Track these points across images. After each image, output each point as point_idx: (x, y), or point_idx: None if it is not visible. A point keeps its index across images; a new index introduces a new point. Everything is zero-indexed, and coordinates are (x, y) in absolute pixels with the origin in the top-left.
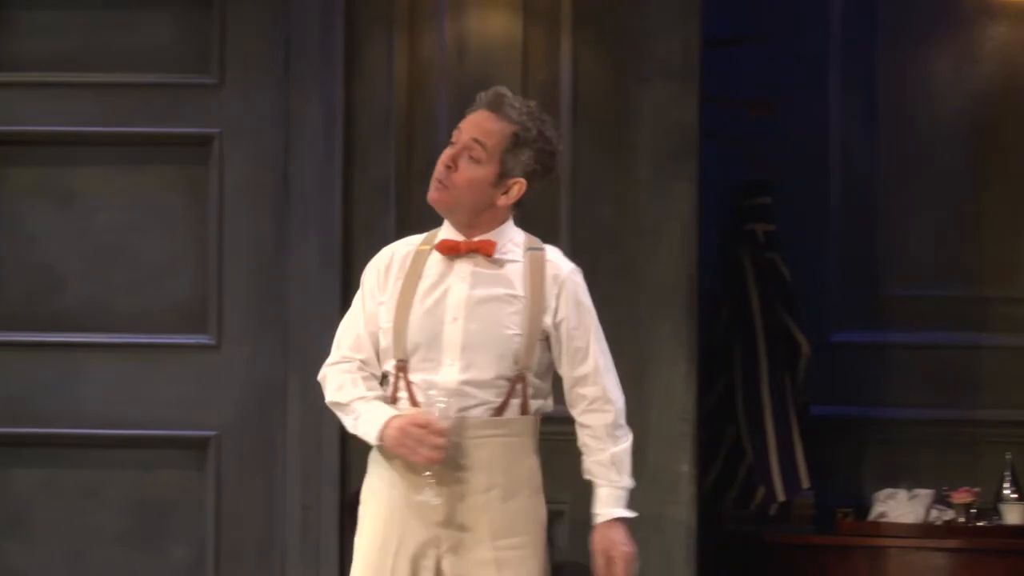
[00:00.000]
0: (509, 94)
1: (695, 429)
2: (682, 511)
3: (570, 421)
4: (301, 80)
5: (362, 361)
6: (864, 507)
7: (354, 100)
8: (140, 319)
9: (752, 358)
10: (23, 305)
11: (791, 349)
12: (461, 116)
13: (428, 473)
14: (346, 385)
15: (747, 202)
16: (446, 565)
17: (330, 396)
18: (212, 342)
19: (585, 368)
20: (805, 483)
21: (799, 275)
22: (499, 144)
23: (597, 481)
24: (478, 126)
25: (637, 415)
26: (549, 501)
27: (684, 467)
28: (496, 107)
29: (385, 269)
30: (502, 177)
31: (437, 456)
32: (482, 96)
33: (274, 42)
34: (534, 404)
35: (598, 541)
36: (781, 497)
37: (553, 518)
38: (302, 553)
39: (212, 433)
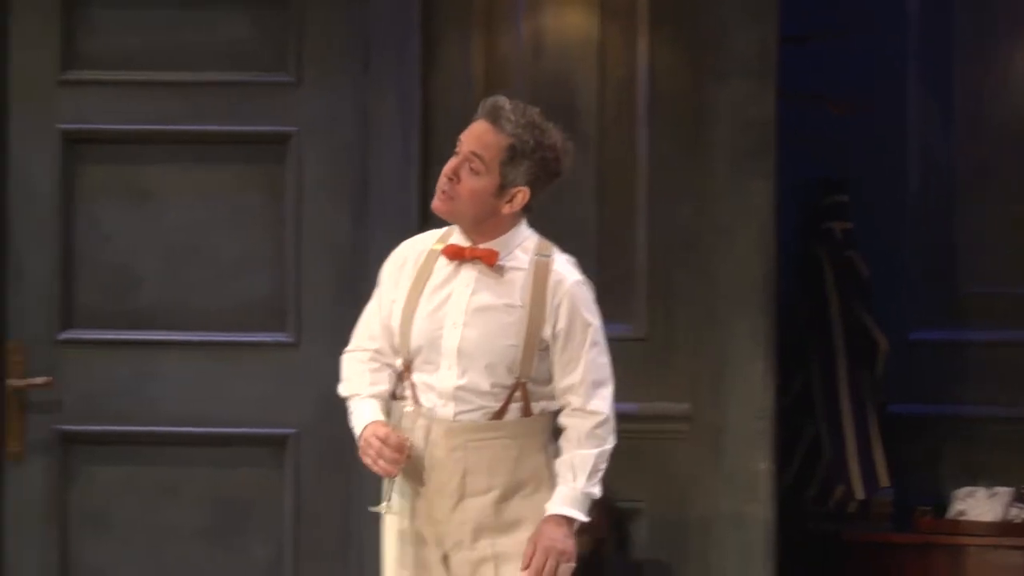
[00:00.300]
0: (507, 105)
1: (773, 427)
2: (761, 509)
3: (643, 419)
4: (378, 78)
5: (375, 351)
6: (943, 505)
7: (431, 98)
8: (217, 317)
9: (830, 356)
10: (100, 303)
11: (869, 347)
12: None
13: (387, 483)
14: (351, 378)
15: (825, 200)
16: (452, 563)
17: (339, 387)
18: (291, 340)
19: (573, 379)
20: (884, 481)
21: (877, 273)
22: (496, 156)
23: (558, 480)
24: (477, 139)
25: (715, 413)
26: (625, 499)
27: (762, 465)
28: (493, 119)
29: (400, 267)
30: (503, 187)
31: (389, 470)
32: (482, 105)
33: (352, 41)
34: (537, 407)
35: (535, 533)
36: (860, 495)
37: (630, 517)
38: (380, 552)
39: (291, 431)
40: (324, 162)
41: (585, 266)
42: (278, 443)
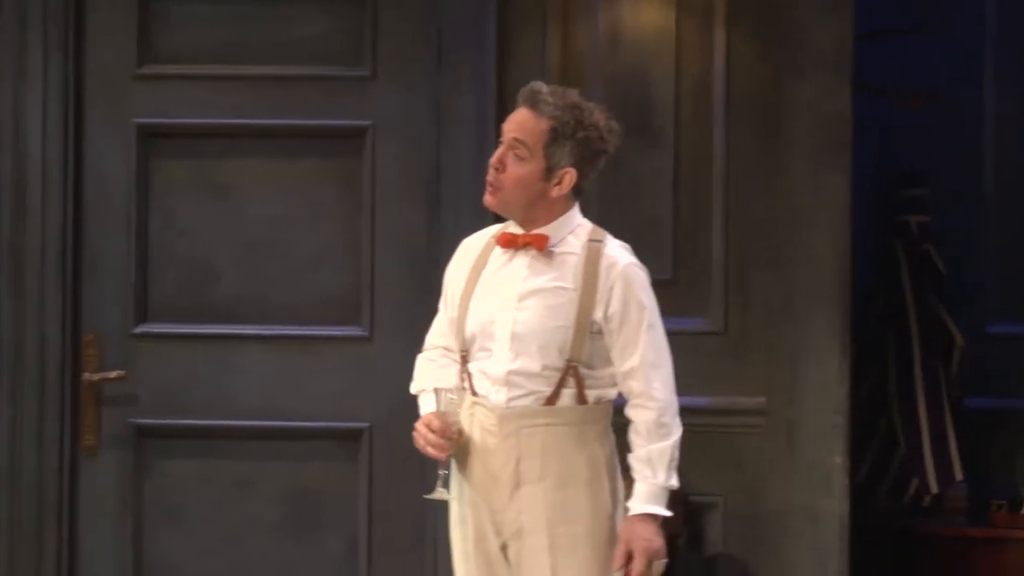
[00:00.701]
0: (544, 88)
1: (848, 421)
2: (835, 504)
3: (718, 413)
4: (454, 72)
5: (444, 348)
6: (1018, 500)
7: (507, 92)
8: (293, 311)
9: (906, 350)
10: (177, 297)
11: (945, 341)
12: (614, 109)
13: (442, 471)
14: (420, 376)
15: (901, 193)
16: (510, 553)
17: (411, 385)
18: (365, 334)
19: (631, 363)
20: (959, 475)
21: (953, 266)
22: (539, 140)
23: (635, 476)
24: (518, 125)
25: (790, 407)
26: (699, 493)
27: (837, 459)
28: (532, 103)
29: (459, 263)
30: (550, 170)
31: (436, 454)
32: (521, 93)
33: (427, 34)
34: (592, 394)
35: (623, 533)
36: (934, 489)
37: (704, 511)
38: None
39: (365, 425)
40: (399, 156)
41: (661, 261)
42: (352, 437)
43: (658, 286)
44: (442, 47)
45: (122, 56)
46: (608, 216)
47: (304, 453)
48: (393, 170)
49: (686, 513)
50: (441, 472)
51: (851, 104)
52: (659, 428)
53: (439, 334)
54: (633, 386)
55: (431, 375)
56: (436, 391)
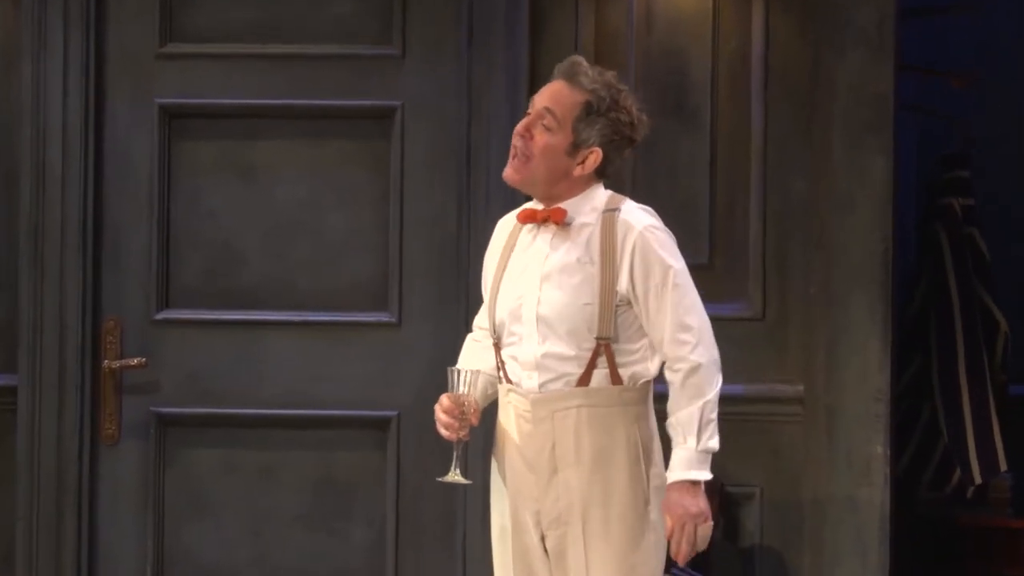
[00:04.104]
0: (585, 63)
1: (889, 409)
2: (876, 493)
3: (756, 401)
4: (485, 51)
5: (484, 331)
6: None
7: (539, 72)
8: (320, 296)
9: (949, 336)
10: (202, 282)
11: (989, 326)
12: (649, 88)
13: (455, 450)
14: (461, 358)
15: (945, 175)
16: (549, 543)
17: None
18: (393, 320)
19: (660, 329)
20: (1003, 465)
21: (998, 250)
22: (570, 112)
23: (673, 444)
24: (551, 95)
25: (829, 395)
26: (736, 483)
27: (878, 448)
28: (570, 76)
29: (494, 243)
30: (576, 147)
31: (448, 436)
32: (557, 68)
33: (458, 13)
34: (627, 372)
35: (666, 504)
36: (978, 479)
37: (741, 501)
38: (484, 537)
39: (393, 413)
40: (429, 137)
41: (697, 245)
42: (380, 425)
43: (694, 271)
44: (473, 25)
45: (145, 34)
46: (642, 199)
47: (331, 442)
48: (423, 152)
49: (722, 503)
50: (455, 454)
51: (893, 83)
52: (685, 390)
53: (480, 319)
54: (666, 351)
55: (467, 359)
56: (448, 371)
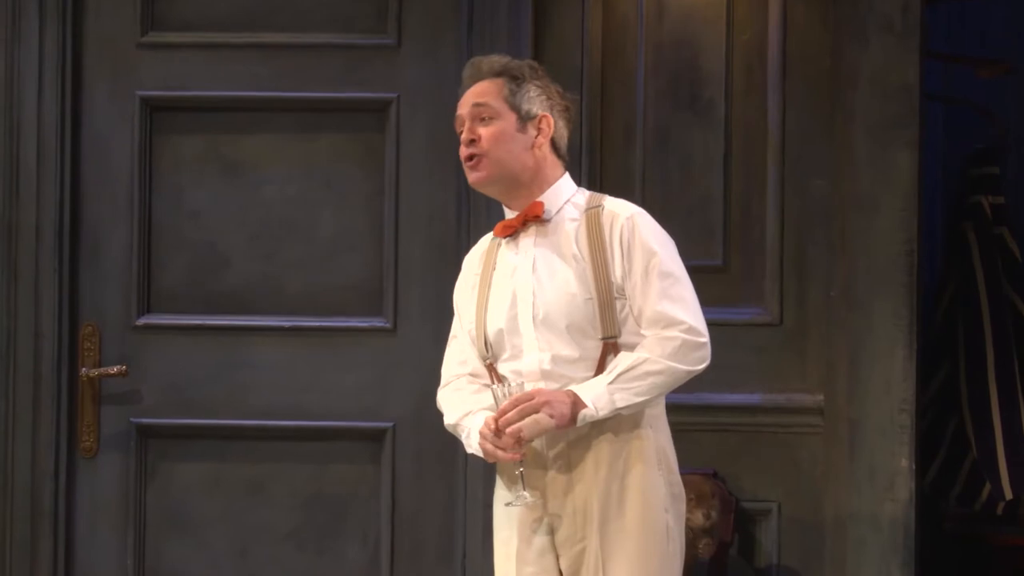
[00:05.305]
0: (482, 57)
1: (915, 420)
2: (900, 510)
3: (773, 411)
4: (486, 40)
5: (470, 375)
6: None
7: (543, 63)
8: (310, 300)
9: (978, 342)
10: (185, 285)
11: (1021, 332)
12: (661, 81)
13: (518, 471)
14: (454, 406)
15: (973, 172)
16: (563, 562)
17: (446, 421)
18: (388, 325)
19: (643, 312)
20: None
21: None
22: (499, 95)
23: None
24: (472, 94)
25: (851, 405)
26: (753, 499)
27: (903, 462)
28: (477, 74)
29: (464, 278)
30: (524, 121)
31: (509, 457)
32: (464, 77)
33: (457, 1)
34: None
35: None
36: (1008, 495)
37: (758, 518)
38: (485, 555)
39: (388, 424)
40: (426, 131)
41: (711, 246)
42: (375, 437)
43: (708, 273)
44: (474, 13)
45: (125, 22)
46: (653, 198)
47: (322, 455)
48: (420, 146)
49: (737, 520)
50: (518, 472)
51: (920, 73)
52: (665, 348)
53: (459, 363)
54: (651, 329)
55: (467, 400)
56: (492, 388)
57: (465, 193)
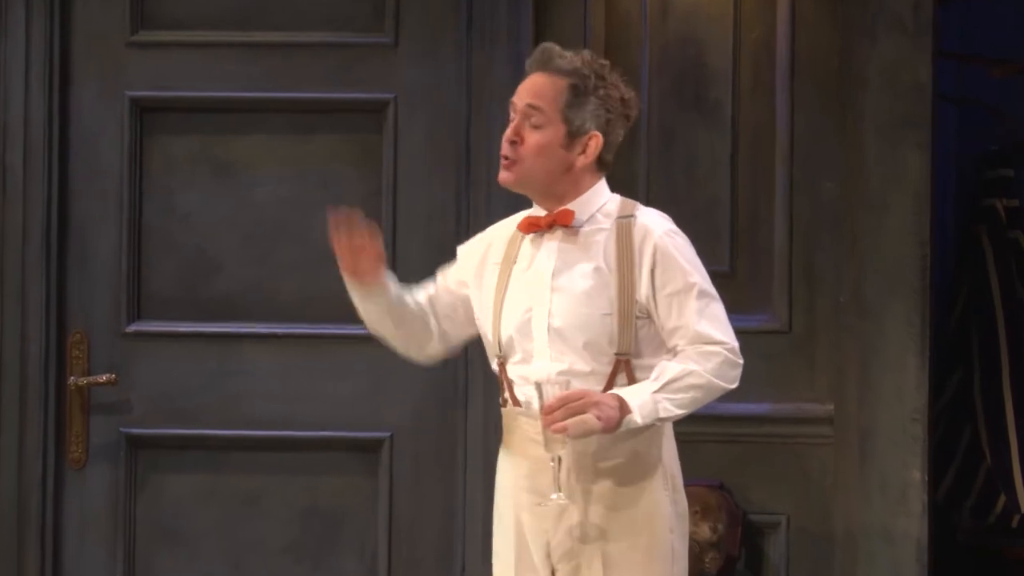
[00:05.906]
0: (556, 47)
1: (927, 431)
2: (913, 523)
3: (781, 421)
4: (486, 40)
5: (429, 296)
6: None
7: None
8: (305, 306)
9: (992, 349)
10: (176, 291)
11: None
12: (665, 80)
13: (555, 468)
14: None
15: (987, 174)
16: (560, 575)
17: None
18: None
19: (688, 326)
20: None
21: None
22: (556, 101)
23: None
24: (530, 90)
25: (862, 415)
26: (760, 511)
27: (915, 474)
28: (544, 64)
29: (482, 258)
30: (572, 136)
31: (558, 427)
32: (528, 61)
33: None
34: None
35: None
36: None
37: (766, 531)
38: (485, 567)
39: (385, 434)
40: (425, 132)
41: (717, 250)
42: (371, 447)
43: (714, 279)
44: (473, 11)
45: (115, 20)
46: (658, 199)
47: (317, 466)
48: (419, 147)
49: (745, 533)
50: (552, 464)
51: (931, 72)
52: (709, 361)
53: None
54: (688, 348)
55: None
56: (535, 383)
57: (464, 195)
